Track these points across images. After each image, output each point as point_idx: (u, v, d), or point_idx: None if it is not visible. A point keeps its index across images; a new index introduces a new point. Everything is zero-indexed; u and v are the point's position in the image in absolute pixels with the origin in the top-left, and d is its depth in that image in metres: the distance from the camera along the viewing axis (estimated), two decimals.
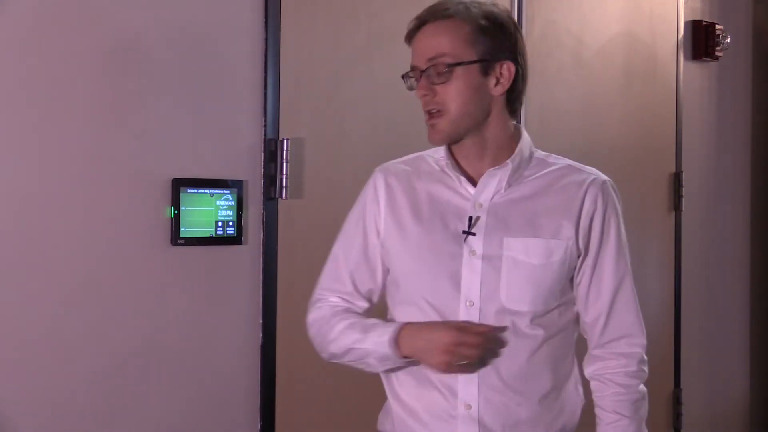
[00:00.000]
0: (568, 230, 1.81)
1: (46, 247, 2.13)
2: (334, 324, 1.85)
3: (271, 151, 2.48)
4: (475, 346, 1.72)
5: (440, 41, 1.78)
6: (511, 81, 1.80)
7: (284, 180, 2.48)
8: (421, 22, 1.82)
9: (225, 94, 2.41)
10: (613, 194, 1.86)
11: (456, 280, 1.79)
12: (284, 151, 2.48)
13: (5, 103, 2.08)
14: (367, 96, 2.72)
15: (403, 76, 1.85)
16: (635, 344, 1.84)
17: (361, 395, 2.73)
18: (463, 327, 1.74)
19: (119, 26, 2.23)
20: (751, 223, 4.18)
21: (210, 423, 2.40)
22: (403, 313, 1.85)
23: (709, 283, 3.92)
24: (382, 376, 1.90)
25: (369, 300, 1.91)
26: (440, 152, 1.86)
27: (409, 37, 1.84)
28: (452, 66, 1.77)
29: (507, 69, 1.80)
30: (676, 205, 3.73)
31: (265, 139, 2.48)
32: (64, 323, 2.16)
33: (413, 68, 1.82)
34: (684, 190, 3.72)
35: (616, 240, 1.84)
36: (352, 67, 2.69)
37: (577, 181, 1.84)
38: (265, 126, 2.47)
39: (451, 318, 1.79)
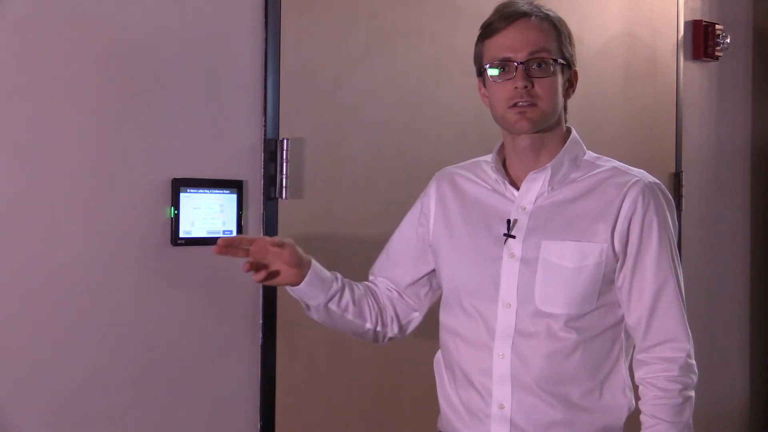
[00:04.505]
0: (604, 233, 1.81)
1: (46, 247, 2.13)
2: None
3: (271, 151, 2.47)
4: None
5: (544, 36, 1.82)
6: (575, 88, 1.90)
7: (284, 180, 2.48)
8: (521, 14, 1.82)
9: (225, 95, 2.41)
10: (660, 196, 1.85)
11: (495, 282, 1.84)
12: (284, 151, 2.48)
13: (5, 102, 2.08)
14: (367, 96, 2.72)
15: (487, 66, 1.83)
16: (678, 349, 1.82)
17: (360, 396, 2.73)
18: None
19: (119, 27, 2.23)
20: (751, 223, 4.18)
21: (210, 423, 2.40)
22: (448, 313, 1.93)
23: (709, 283, 3.91)
24: (436, 378, 1.99)
25: (397, 289, 2.04)
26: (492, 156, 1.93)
27: (503, 25, 1.82)
28: (554, 61, 1.81)
29: (576, 77, 1.89)
30: (676, 205, 3.72)
31: (265, 139, 2.47)
32: (64, 323, 2.16)
33: (507, 60, 1.81)
34: (684, 190, 3.71)
35: (658, 242, 1.82)
36: (352, 67, 2.69)
37: (619, 184, 1.84)
38: (265, 126, 2.47)
39: (490, 319, 1.85)
